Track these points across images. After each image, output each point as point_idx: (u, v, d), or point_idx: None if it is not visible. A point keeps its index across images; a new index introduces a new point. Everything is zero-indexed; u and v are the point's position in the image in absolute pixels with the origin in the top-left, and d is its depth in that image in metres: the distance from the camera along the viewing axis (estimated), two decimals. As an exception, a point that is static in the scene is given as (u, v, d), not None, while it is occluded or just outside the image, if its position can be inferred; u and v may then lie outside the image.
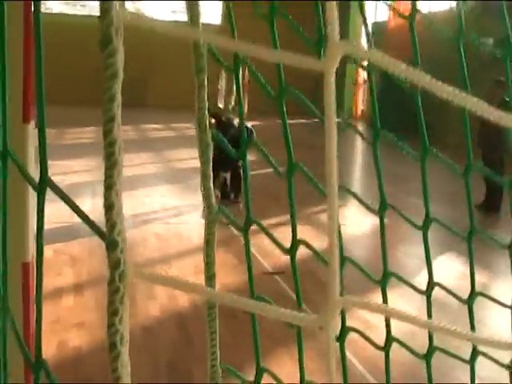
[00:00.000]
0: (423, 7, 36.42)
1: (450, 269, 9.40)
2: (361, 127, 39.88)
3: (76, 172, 14.91)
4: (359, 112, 45.40)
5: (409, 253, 9.99)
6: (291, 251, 1.58)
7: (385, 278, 1.99)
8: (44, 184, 1.00)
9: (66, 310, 7.20)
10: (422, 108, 2.18)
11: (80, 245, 9.43)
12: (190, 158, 19.08)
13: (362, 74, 41.03)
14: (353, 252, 9.99)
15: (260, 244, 8.91)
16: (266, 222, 9.57)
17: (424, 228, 2.01)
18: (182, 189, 14.78)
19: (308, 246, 1.63)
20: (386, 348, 2.02)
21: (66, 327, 6.93)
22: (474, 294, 2.17)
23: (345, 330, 1.89)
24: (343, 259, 1.84)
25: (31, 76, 2.75)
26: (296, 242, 1.59)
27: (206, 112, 1.30)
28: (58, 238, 9.61)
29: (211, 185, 1.39)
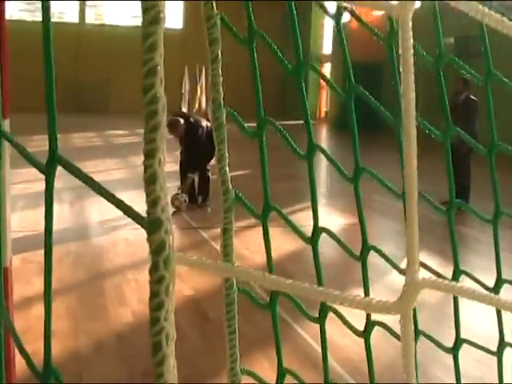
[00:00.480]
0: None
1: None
2: (324, 128, 40.00)
3: (41, 180, 14.59)
4: (322, 113, 45.56)
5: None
6: (312, 240, 1.48)
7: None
8: (54, 163, 0.87)
9: (36, 319, 7.00)
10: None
11: (48, 253, 9.23)
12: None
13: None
14: (323, 250, 9.88)
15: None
16: (235, 225, 9.47)
17: (449, 212, 1.93)
18: (148, 194, 14.56)
19: (330, 234, 1.53)
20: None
21: (37, 337, 6.73)
22: (500, 281, 2.09)
23: (370, 324, 1.79)
24: (367, 247, 1.74)
25: (7, 74, 2.66)
26: (317, 230, 1.48)
27: (221, 88, 1.19)
28: (25, 246, 9.40)
29: (227, 168, 1.28)
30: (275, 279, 0.64)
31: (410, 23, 0.59)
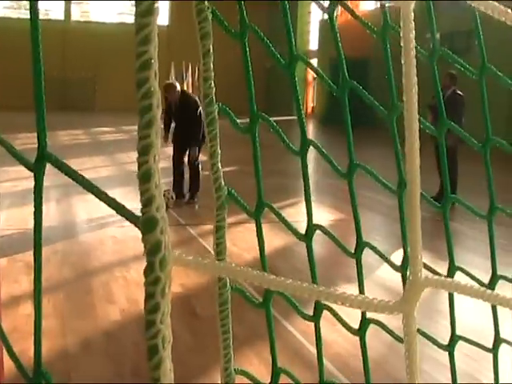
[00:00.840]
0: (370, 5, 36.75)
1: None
2: (311, 124, 40.03)
3: (27, 178, 14.59)
4: (309, 109, 45.61)
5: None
6: (306, 237, 1.46)
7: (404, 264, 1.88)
8: (43, 160, 0.85)
9: (23, 318, 6.96)
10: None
11: (35, 251, 9.17)
12: (142, 160, 18.85)
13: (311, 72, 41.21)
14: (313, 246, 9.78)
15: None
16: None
17: (444, 209, 1.91)
18: (136, 191, 14.36)
19: (324, 230, 1.51)
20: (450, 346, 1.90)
21: (25, 336, 6.69)
22: (495, 277, 2.08)
23: (365, 322, 1.77)
24: (362, 244, 1.72)
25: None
26: (311, 227, 1.46)
27: (213, 83, 1.16)
28: (11, 245, 9.35)
29: (220, 164, 1.26)
30: (274, 279, 0.62)
31: (412, 14, 0.58)
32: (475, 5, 0.63)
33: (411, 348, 0.57)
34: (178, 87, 13.15)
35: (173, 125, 13.50)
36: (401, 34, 0.56)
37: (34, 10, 0.88)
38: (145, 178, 0.61)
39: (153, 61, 0.57)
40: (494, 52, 17.65)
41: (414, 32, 0.58)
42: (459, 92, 13.70)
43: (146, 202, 0.62)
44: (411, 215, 0.58)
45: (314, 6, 43.63)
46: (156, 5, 0.58)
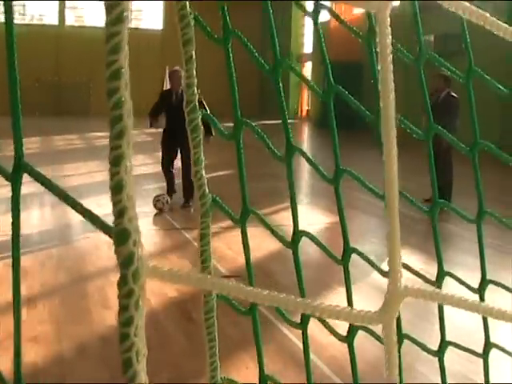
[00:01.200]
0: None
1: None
2: (306, 127, 40.06)
3: (23, 183, 14.49)
4: (304, 112, 45.63)
5: (361, 250, 9.92)
6: (293, 244, 1.45)
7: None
8: (19, 170, 0.84)
9: (18, 324, 6.93)
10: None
11: (30, 257, 9.17)
12: (137, 165, 18.89)
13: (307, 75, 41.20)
14: (305, 249, 9.76)
15: (214, 248, 8.77)
16: (218, 226, 9.43)
17: (432, 212, 1.90)
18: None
19: (311, 237, 1.50)
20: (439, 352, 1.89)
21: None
22: (484, 282, 2.07)
23: (353, 329, 1.76)
24: (349, 250, 1.71)
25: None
26: (297, 234, 1.45)
27: (195, 90, 1.15)
28: (6, 250, 9.32)
29: (203, 172, 1.25)
30: (252, 291, 0.61)
31: (388, 20, 0.57)
32: (453, 9, 0.63)
33: (391, 356, 0.56)
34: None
35: (160, 130, 13.39)
36: (377, 40, 0.56)
37: (9, 14, 0.87)
38: (117, 189, 0.60)
39: (123, 70, 0.56)
40: (487, 54, 17.64)
41: (390, 37, 0.57)
42: (453, 94, 13.68)
43: (119, 214, 0.61)
44: (390, 224, 0.57)
45: (308, 9, 43.55)
46: (125, 13, 0.57)
